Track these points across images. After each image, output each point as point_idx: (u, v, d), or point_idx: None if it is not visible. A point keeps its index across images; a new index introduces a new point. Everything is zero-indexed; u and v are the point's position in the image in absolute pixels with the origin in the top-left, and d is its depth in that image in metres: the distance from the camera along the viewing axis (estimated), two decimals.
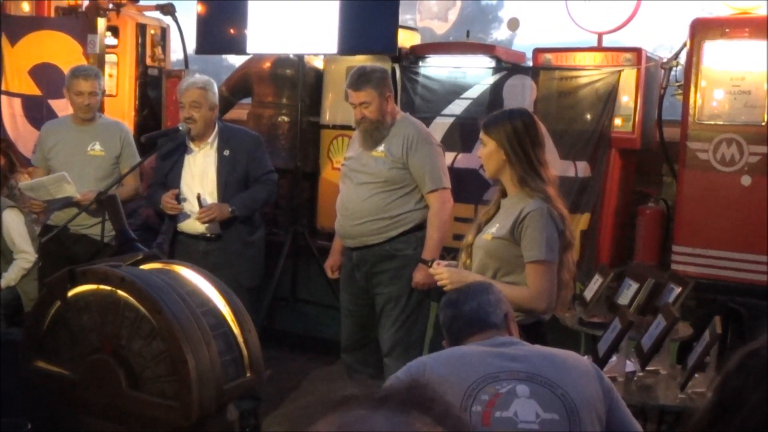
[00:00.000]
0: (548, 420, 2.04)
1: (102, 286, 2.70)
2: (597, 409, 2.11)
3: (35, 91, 6.63)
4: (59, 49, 6.55)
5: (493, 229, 3.19)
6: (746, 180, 4.82)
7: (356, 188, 4.32)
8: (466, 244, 3.32)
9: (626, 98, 5.35)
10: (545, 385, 2.08)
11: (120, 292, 2.64)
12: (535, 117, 3.29)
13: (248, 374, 2.70)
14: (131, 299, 2.61)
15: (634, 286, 4.36)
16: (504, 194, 3.28)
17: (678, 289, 4.24)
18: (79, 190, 4.62)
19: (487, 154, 3.24)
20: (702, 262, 4.94)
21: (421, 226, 4.29)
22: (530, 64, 5.83)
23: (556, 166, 5.06)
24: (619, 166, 5.45)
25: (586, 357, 2.32)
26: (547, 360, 2.17)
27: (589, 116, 5.39)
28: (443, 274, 3.18)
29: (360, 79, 4.22)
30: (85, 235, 4.77)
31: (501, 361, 2.14)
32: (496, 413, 2.03)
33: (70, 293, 2.81)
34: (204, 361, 2.47)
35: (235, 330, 2.70)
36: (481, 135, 3.26)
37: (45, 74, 6.57)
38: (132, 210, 5.72)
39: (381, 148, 4.26)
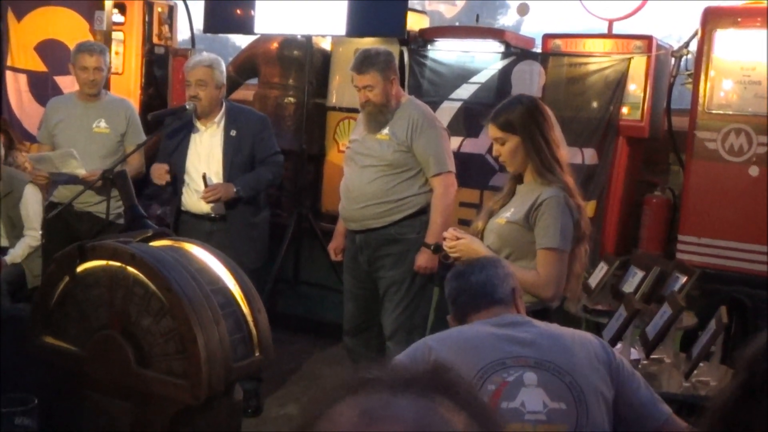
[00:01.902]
0: (556, 409, 2.01)
1: (111, 262, 2.69)
2: (604, 395, 2.09)
3: (41, 67, 6.61)
4: (65, 26, 6.52)
5: (507, 214, 3.16)
6: (754, 170, 4.81)
7: (360, 171, 4.31)
8: (474, 229, 3.29)
9: (635, 86, 5.32)
10: (553, 372, 2.06)
11: (129, 269, 2.63)
12: (538, 101, 3.26)
13: (257, 354, 2.69)
14: (141, 276, 2.60)
15: (640, 274, 4.36)
16: (518, 181, 3.25)
17: (683, 279, 4.24)
18: (84, 166, 4.60)
19: (509, 150, 3.14)
20: (707, 252, 4.93)
21: (425, 210, 4.27)
22: (539, 49, 5.80)
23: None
24: (626, 154, 5.43)
25: (593, 336, 2.26)
26: (555, 344, 2.13)
27: (597, 103, 5.37)
28: (456, 245, 3.15)
29: (364, 62, 4.20)
30: (90, 212, 4.76)
31: (508, 346, 2.11)
32: (503, 404, 2.00)
33: (79, 269, 2.80)
34: (213, 340, 2.46)
35: (245, 309, 2.69)
36: (496, 133, 3.16)
37: (51, 50, 6.54)
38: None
39: (385, 131, 4.24)
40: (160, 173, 4.44)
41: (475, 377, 2.03)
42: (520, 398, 2.01)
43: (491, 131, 3.20)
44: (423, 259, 4.21)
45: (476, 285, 2.32)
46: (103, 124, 4.81)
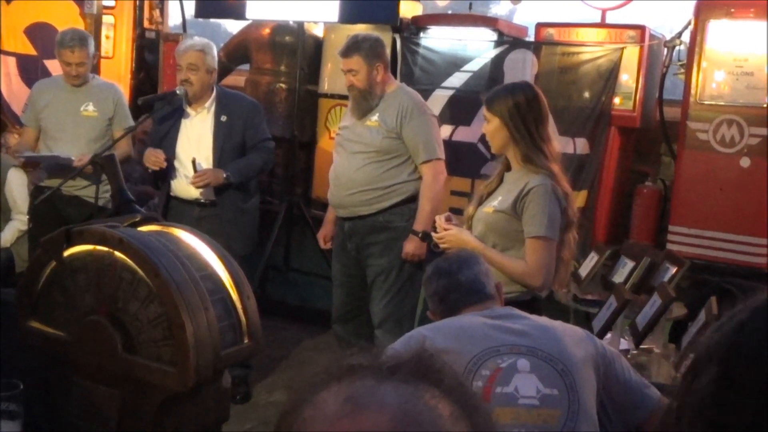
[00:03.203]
0: (548, 395, 2.03)
1: (99, 247, 2.67)
2: (594, 384, 2.11)
3: (30, 50, 6.56)
4: (55, 9, 6.47)
5: (495, 202, 3.17)
6: (745, 162, 4.81)
7: (349, 158, 4.30)
8: (467, 216, 3.29)
9: (628, 76, 5.31)
10: (546, 360, 2.08)
11: (117, 254, 2.60)
12: (538, 91, 3.24)
13: (246, 341, 2.67)
14: (129, 261, 2.57)
15: (630, 264, 4.36)
16: (507, 168, 3.25)
17: (673, 269, 4.24)
18: (71, 150, 4.59)
19: (491, 130, 3.20)
20: (697, 243, 4.94)
21: (414, 198, 4.27)
22: (532, 38, 5.78)
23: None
24: (618, 144, 5.43)
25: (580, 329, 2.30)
26: (546, 334, 2.16)
27: (589, 93, 5.36)
28: (445, 236, 3.15)
29: (351, 46, 4.23)
30: (77, 196, 4.74)
31: (501, 334, 2.13)
32: (497, 389, 2.03)
33: (66, 253, 2.77)
34: (202, 326, 2.44)
35: (234, 296, 2.67)
36: (484, 111, 3.23)
37: (40, 34, 6.49)
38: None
39: (375, 117, 4.24)
40: (156, 158, 4.41)
41: (470, 363, 2.05)
42: (514, 383, 2.03)
43: (483, 108, 3.26)
44: (411, 247, 4.21)
45: (467, 283, 2.35)
46: (91, 107, 4.79)
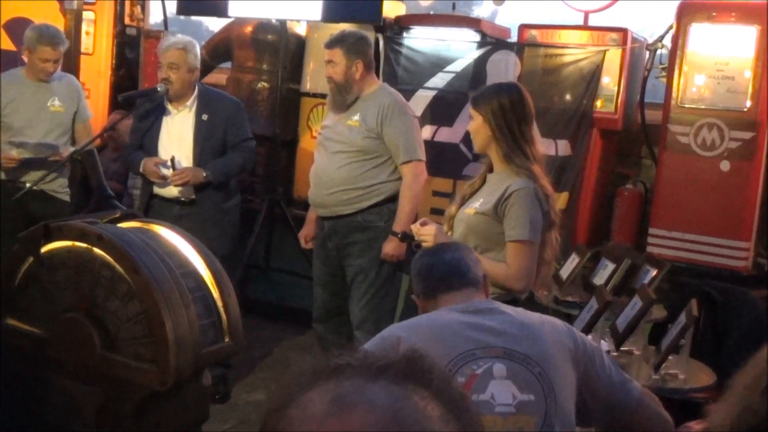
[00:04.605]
0: (524, 401, 2.00)
1: (78, 243, 2.64)
2: (572, 384, 2.08)
3: (10, 46, 6.48)
4: (35, 4, 6.40)
5: (476, 204, 3.17)
6: (725, 165, 4.83)
7: (330, 157, 4.29)
8: (449, 215, 3.29)
9: (610, 79, 5.33)
10: (522, 363, 2.04)
11: (96, 250, 2.57)
12: (524, 93, 3.25)
13: (227, 339, 2.65)
14: (108, 258, 2.55)
15: (611, 266, 4.37)
16: (491, 168, 3.25)
17: (654, 271, 4.26)
18: (39, 146, 4.58)
19: (474, 128, 3.22)
20: (677, 246, 4.95)
21: (393, 198, 4.27)
22: (515, 40, 5.79)
23: None
24: (599, 146, 5.44)
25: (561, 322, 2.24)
26: (524, 332, 2.10)
27: (572, 95, 5.37)
28: (429, 235, 3.15)
29: (335, 38, 4.28)
30: (43, 190, 4.70)
31: (477, 334, 2.08)
32: (474, 396, 1.98)
33: (44, 249, 2.75)
34: (182, 325, 2.42)
35: (215, 293, 2.65)
36: (470, 109, 3.25)
37: (20, 29, 6.36)
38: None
39: (356, 117, 4.24)
40: (155, 172, 4.38)
41: (445, 368, 2.01)
42: (490, 390, 2.00)
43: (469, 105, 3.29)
44: (390, 247, 4.20)
45: (450, 261, 2.30)
46: (57, 102, 4.80)
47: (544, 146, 5.20)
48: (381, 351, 0.91)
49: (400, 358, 0.88)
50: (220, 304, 2.65)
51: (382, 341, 2.12)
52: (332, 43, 4.26)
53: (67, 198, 4.55)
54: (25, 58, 4.85)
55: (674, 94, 4.97)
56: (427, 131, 5.50)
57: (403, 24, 5.96)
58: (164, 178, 4.38)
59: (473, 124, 3.23)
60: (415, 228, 3.23)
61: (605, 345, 3.53)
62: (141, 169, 4.45)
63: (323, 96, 5.93)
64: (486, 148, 3.22)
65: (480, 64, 5.59)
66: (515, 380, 2.02)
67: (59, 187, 4.69)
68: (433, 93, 5.70)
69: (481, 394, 1.99)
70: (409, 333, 2.12)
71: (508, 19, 7.23)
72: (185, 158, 4.41)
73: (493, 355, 2.05)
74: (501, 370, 2.03)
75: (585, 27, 5.56)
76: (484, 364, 2.04)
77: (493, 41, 5.72)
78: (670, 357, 3.39)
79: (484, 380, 2.01)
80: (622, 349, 3.52)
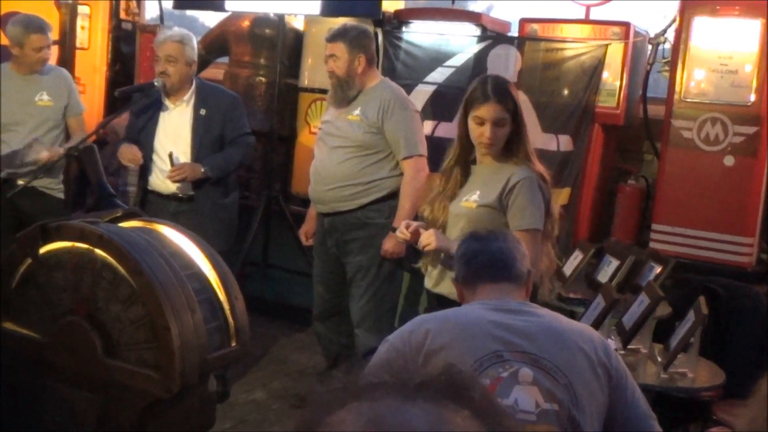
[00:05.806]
0: (547, 411, 1.95)
1: (78, 244, 2.57)
2: (599, 401, 2.02)
3: (3, 40, 6.39)
4: None
5: (474, 197, 3.16)
6: (729, 160, 4.79)
7: (330, 152, 4.25)
8: (434, 219, 3.26)
9: (611, 73, 5.27)
10: (550, 372, 1.98)
11: (97, 251, 2.51)
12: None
13: (233, 344, 2.59)
14: (110, 259, 2.48)
15: (614, 263, 4.34)
16: (465, 162, 3.22)
17: (658, 268, 4.23)
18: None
19: (503, 132, 3.14)
20: (680, 242, 4.92)
21: (394, 194, 4.23)
22: (515, 34, 5.73)
23: (538, 138, 4.99)
24: (601, 141, 5.40)
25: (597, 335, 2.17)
26: (556, 341, 2.04)
27: (573, 90, 5.32)
28: (431, 239, 3.11)
29: (337, 32, 4.23)
30: (34, 187, 4.62)
31: (507, 335, 2.03)
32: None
33: (42, 250, 2.68)
34: (187, 329, 2.36)
35: (221, 296, 2.59)
36: (501, 112, 3.12)
37: None
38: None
39: (357, 111, 4.20)
40: (132, 155, 4.31)
41: (471, 368, 1.96)
42: (514, 396, 1.95)
43: None
44: (390, 244, 4.16)
45: (495, 251, 2.25)
46: (45, 96, 4.72)
47: (545, 141, 5.19)
48: (417, 366, 0.85)
49: (438, 375, 0.83)
50: (226, 306, 2.59)
51: (410, 334, 2.08)
52: (334, 37, 4.21)
53: (60, 195, 4.49)
54: (16, 54, 4.76)
55: (677, 89, 4.93)
56: (426, 126, 5.43)
57: (402, 18, 5.90)
58: (140, 161, 4.31)
59: (504, 129, 3.14)
60: (403, 233, 3.20)
61: (612, 344, 3.48)
62: (118, 154, 4.39)
63: (321, 91, 5.88)
64: (500, 146, 3.17)
65: (480, 59, 5.54)
66: (541, 388, 1.97)
67: (51, 183, 4.61)
68: (432, 88, 5.65)
69: (505, 398, 1.95)
70: (438, 325, 2.08)
71: (509, 13, 7.17)
72: (183, 153, 4.36)
73: (521, 359, 2.01)
74: (527, 375, 1.98)
75: (586, 21, 5.51)
76: (510, 367, 2.00)
77: (493, 35, 5.66)
78: (678, 356, 3.35)
79: (508, 384, 1.97)
80: (629, 347, 3.48)
